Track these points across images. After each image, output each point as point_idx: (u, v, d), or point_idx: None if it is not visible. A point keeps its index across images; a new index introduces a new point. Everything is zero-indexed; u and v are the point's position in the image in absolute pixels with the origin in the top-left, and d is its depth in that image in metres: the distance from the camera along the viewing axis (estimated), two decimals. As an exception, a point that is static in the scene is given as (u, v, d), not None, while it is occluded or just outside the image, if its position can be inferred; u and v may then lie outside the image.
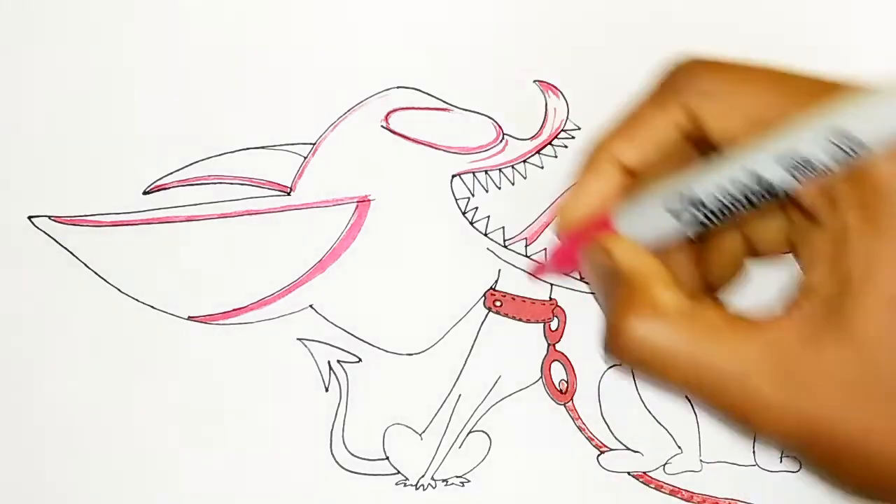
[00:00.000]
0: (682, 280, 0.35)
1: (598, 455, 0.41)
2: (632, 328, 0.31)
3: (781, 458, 0.41)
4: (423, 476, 0.41)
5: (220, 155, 0.41)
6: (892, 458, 0.30)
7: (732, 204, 0.30)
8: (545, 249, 0.41)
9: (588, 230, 0.34)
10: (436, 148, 0.41)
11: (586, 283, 0.41)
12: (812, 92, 0.30)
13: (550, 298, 0.41)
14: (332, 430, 0.40)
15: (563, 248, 0.36)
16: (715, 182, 0.30)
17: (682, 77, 0.32)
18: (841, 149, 0.28)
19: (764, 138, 0.29)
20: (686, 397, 0.34)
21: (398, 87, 0.41)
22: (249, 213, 0.41)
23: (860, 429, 0.29)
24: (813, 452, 0.30)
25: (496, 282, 0.41)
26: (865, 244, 0.29)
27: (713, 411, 0.31)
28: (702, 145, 0.33)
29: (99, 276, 0.40)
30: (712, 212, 0.31)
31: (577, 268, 0.36)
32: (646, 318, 0.31)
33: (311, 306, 0.41)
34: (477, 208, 0.41)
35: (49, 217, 0.40)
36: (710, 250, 0.36)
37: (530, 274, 0.41)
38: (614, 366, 0.41)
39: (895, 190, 0.28)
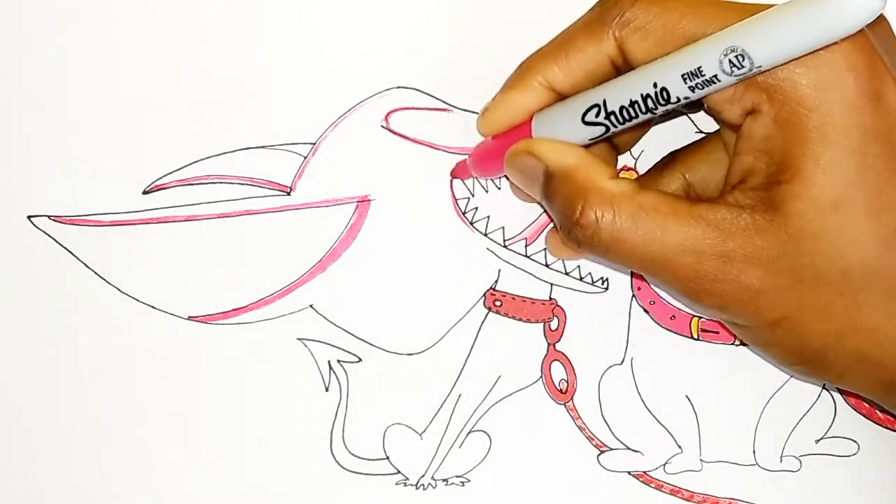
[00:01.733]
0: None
1: (598, 455, 0.41)
2: (588, 219, 0.34)
3: (781, 457, 0.41)
4: (423, 476, 0.41)
5: (219, 155, 0.41)
6: (821, 332, 0.33)
7: (635, 108, 0.33)
8: (545, 249, 0.41)
9: (510, 136, 0.37)
10: (436, 148, 0.41)
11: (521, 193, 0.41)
12: (724, 17, 0.32)
13: (550, 298, 0.41)
14: (332, 430, 0.40)
15: (486, 150, 0.39)
16: (621, 91, 0.34)
17: (612, 9, 0.35)
18: (732, 63, 0.31)
19: (669, 55, 0.33)
20: (639, 275, 0.40)
21: (398, 87, 0.41)
22: (249, 213, 0.41)
23: (794, 304, 0.33)
24: (752, 320, 0.34)
25: (496, 282, 0.41)
26: (790, 152, 0.32)
27: (665, 286, 0.35)
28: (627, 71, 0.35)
29: (99, 276, 0.40)
30: (617, 117, 0.34)
31: (498, 171, 0.39)
32: (599, 207, 0.34)
33: (311, 306, 0.41)
34: (477, 208, 0.41)
35: (49, 217, 0.40)
36: (648, 185, 0.38)
37: (452, 175, 0.41)
38: (614, 366, 0.41)
39: (812, 100, 0.32)
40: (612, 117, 0.34)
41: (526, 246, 0.41)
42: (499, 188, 0.41)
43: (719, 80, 0.31)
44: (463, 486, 0.41)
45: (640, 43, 0.34)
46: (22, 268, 0.40)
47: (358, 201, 0.41)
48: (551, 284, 0.41)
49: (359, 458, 0.40)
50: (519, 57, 0.41)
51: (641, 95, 0.33)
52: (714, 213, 0.33)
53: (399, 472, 0.41)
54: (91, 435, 0.40)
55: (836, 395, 0.42)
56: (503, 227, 0.41)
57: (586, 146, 0.36)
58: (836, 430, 0.41)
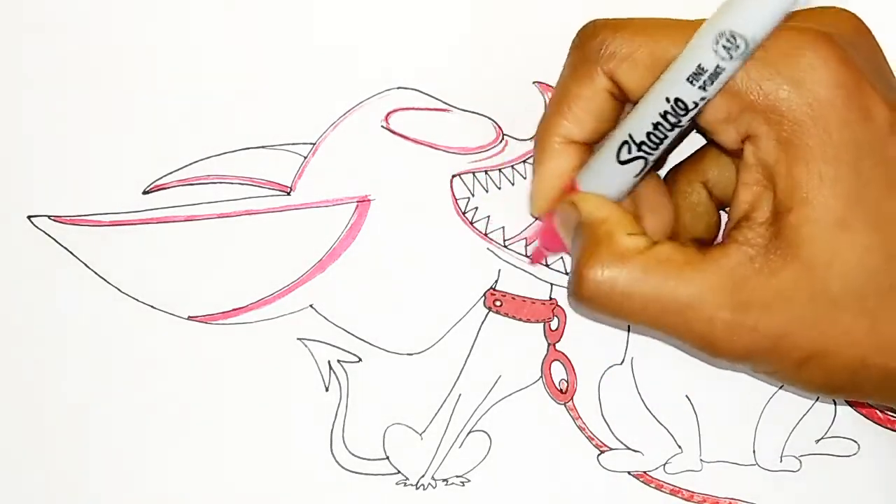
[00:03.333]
0: (660, 224, 0.38)
1: (598, 455, 0.41)
2: (593, 275, 0.33)
3: (781, 457, 0.41)
4: (423, 476, 0.41)
5: (219, 155, 0.41)
6: (848, 360, 0.33)
7: (660, 129, 0.33)
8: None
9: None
10: (436, 148, 0.41)
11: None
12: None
13: (550, 298, 0.41)
14: (332, 430, 0.40)
15: (546, 227, 0.39)
16: (641, 119, 0.34)
17: (592, 44, 0.34)
18: (726, 48, 0.31)
19: (669, 67, 0.33)
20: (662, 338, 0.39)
21: (398, 88, 0.41)
22: (249, 213, 0.41)
23: (818, 339, 0.33)
24: (778, 364, 0.33)
25: (496, 282, 0.41)
26: (793, 173, 0.32)
27: (679, 342, 0.34)
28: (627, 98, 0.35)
29: (99, 276, 0.40)
30: (648, 144, 0.34)
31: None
32: (607, 264, 0.33)
33: (311, 306, 0.41)
34: (477, 208, 0.41)
35: (49, 217, 0.40)
36: (681, 209, 0.38)
37: (531, 261, 0.41)
38: (614, 366, 0.41)
39: (809, 118, 0.32)
40: (644, 147, 0.34)
41: (526, 246, 0.41)
42: (499, 188, 0.41)
43: (723, 68, 0.31)
44: (463, 486, 0.41)
45: (629, 73, 0.34)
46: (22, 268, 0.40)
47: (358, 201, 0.41)
48: (551, 284, 0.41)
49: (359, 458, 0.40)
50: (518, 57, 0.41)
51: (661, 114, 0.33)
52: (727, 258, 0.33)
53: (399, 472, 0.41)
54: (91, 435, 0.40)
55: (836, 395, 0.42)
56: (503, 227, 0.41)
57: (636, 187, 0.36)
58: (836, 430, 0.41)
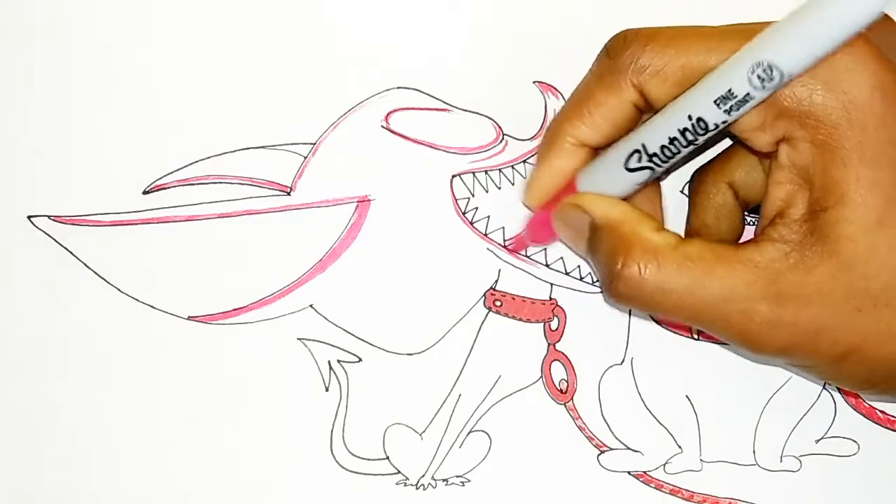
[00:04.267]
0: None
1: (598, 455, 0.41)
2: (631, 271, 0.34)
3: (781, 457, 0.41)
4: (423, 476, 0.41)
5: (220, 155, 0.41)
6: (886, 356, 0.33)
7: (675, 144, 0.33)
8: (545, 249, 0.41)
9: (558, 201, 0.38)
10: (436, 148, 0.41)
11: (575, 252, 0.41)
12: (736, 41, 0.32)
13: (550, 298, 0.41)
14: (332, 430, 0.40)
15: (538, 220, 0.39)
16: (657, 131, 0.34)
17: (623, 55, 0.34)
18: (761, 78, 0.30)
19: (696, 85, 0.33)
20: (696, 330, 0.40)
21: (398, 88, 0.41)
22: (249, 213, 0.41)
23: (857, 335, 0.33)
24: (816, 359, 0.34)
25: (496, 282, 0.41)
26: (830, 174, 0.32)
27: (720, 336, 0.34)
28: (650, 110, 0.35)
29: (99, 276, 0.40)
30: (659, 157, 0.34)
31: (554, 237, 0.39)
32: (643, 261, 0.34)
33: (311, 306, 0.41)
34: (477, 208, 0.41)
35: (49, 217, 0.40)
36: (704, 209, 0.38)
37: (511, 250, 0.41)
38: (614, 366, 0.41)
39: (845, 121, 0.32)
40: (655, 158, 0.34)
41: (514, 240, 0.41)
42: (499, 188, 0.41)
43: (752, 98, 0.31)
44: (463, 486, 0.41)
45: (659, 86, 0.34)
46: (22, 268, 0.40)
47: (358, 201, 0.41)
48: (551, 284, 0.41)
49: (359, 458, 0.40)
50: (518, 57, 0.41)
51: (679, 130, 0.33)
52: (761, 254, 0.33)
53: (399, 472, 0.41)
54: (91, 435, 0.40)
55: (836, 395, 0.42)
56: (503, 227, 0.41)
57: (635, 192, 0.36)
58: (836, 430, 0.41)
